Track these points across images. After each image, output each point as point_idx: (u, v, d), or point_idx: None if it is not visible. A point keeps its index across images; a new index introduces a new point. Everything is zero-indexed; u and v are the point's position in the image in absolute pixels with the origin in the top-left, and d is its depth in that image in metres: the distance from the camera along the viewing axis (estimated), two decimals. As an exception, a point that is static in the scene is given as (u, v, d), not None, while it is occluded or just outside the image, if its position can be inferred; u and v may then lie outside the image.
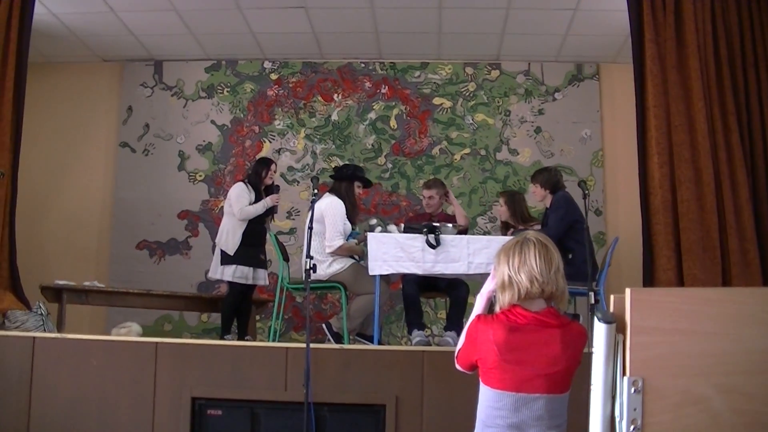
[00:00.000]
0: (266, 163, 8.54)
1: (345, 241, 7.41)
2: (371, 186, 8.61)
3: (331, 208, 7.44)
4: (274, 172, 8.51)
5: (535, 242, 3.64)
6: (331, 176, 8.03)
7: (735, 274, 7.27)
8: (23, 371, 6.51)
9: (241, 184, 8.37)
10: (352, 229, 7.60)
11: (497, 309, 3.68)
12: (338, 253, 7.40)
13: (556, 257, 3.64)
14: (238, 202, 8.16)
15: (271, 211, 8.39)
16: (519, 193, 8.43)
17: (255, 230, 8.20)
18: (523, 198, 8.15)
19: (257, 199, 8.22)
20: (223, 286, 9.30)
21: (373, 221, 7.96)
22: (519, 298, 3.58)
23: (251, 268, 8.17)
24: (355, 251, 7.52)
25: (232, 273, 8.14)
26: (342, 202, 7.52)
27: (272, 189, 8.44)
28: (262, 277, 8.28)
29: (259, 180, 8.36)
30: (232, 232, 8.16)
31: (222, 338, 8.15)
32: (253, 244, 8.17)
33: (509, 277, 3.61)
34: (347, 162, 10.20)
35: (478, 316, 3.69)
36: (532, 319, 3.54)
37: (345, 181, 7.76)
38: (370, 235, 7.18)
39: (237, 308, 8.34)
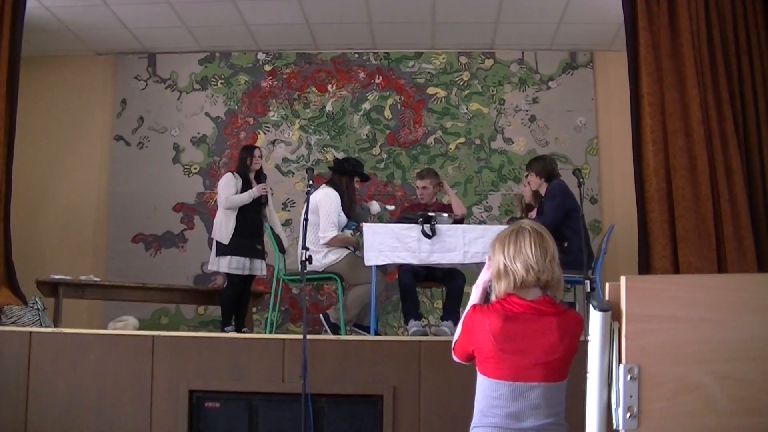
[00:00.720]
0: (249, 149, 8.49)
1: (339, 232, 7.42)
2: (368, 181, 8.62)
3: (326, 199, 7.43)
4: (260, 157, 8.43)
5: (530, 231, 3.64)
6: (330, 168, 8.00)
7: (730, 261, 7.29)
8: (20, 366, 6.51)
9: (228, 174, 8.34)
10: (348, 221, 7.61)
11: (493, 298, 3.68)
12: (332, 244, 7.40)
13: (551, 246, 3.64)
14: (224, 191, 8.14)
15: (260, 201, 8.34)
16: None
17: (249, 220, 8.14)
18: None
19: (246, 188, 8.19)
20: (219, 278, 9.31)
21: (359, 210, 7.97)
22: (514, 287, 3.57)
23: (247, 259, 8.14)
24: (350, 242, 7.52)
25: (228, 264, 8.11)
26: (338, 194, 7.52)
27: (261, 176, 8.42)
28: (258, 267, 8.23)
29: (245, 167, 8.31)
30: (225, 223, 8.13)
31: (223, 330, 8.15)
32: (248, 235, 8.11)
33: (504, 266, 3.60)
34: (343, 153, 10.22)
35: (474, 306, 3.69)
36: (528, 307, 3.54)
37: (346, 175, 7.75)
38: (365, 225, 7.18)
39: (236, 299, 8.33)
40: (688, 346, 2.22)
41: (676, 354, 2.22)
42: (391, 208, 8.30)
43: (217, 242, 8.18)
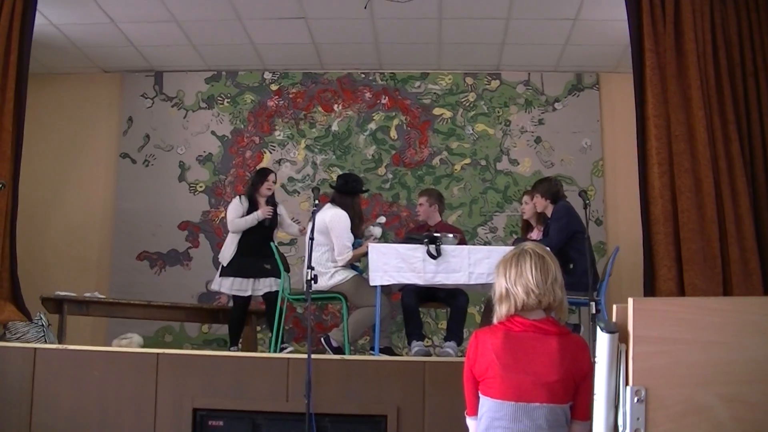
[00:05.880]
0: (262, 173, 8.51)
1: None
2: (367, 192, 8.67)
3: (337, 221, 7.43)
4: (274, 182, 8.46)
5: (532, 254, 3.67)
6: (333, 187, 7.97)
7: (736, 283, 7.26)
8: (24, 382, 6.51)
9: (236, 197, 8.43)
10: (355, 239, 7.61)
11: (495, 321, 3.70)
12: (348, 262, 7.43)
13: (553, 268, 3.65)
14: (229, 215, 8.25)
15: (264, 223, 8.33)
16: None
17: (253, 241, 8.13)
18: None
19: (252, 210, 8.22)
20: (224, 297, 9.34)
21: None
22: (516, 310, 3.60)
23: (250, 279, 8.15)
24: (364, 252, 7.47)
25: (229, 285, 8.17)
26: (347, 215, 7.52)
27: (274, 200, 8.43)
28: (268, 285, 8.16)
29: (254, 191, 8.34)
30: (228, 244, 8.27)
31: (228, 350, 8.18)
32: (251, 255, 8.10)
33: (506, 289, 3.64)
34: (348, 172, 10.18)
35: (475, 332, 3.72)
36: (529, 326, 3.57)
37: (353, 195, 7.77)
38: (370, 245, 7.19)
39: (241, 320, 8.39)
40: (695, 368, 2.22)
41: (682, 376, 2.22)
42: (383, 219, 8.30)
43: (220, 263, 8.22)
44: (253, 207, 8.24)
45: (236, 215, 8.18)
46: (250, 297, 8.29)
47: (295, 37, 9.79)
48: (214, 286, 8.42)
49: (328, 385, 6.31)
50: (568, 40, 9.72)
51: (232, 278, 8.16)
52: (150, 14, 9.27)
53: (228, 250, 8.20)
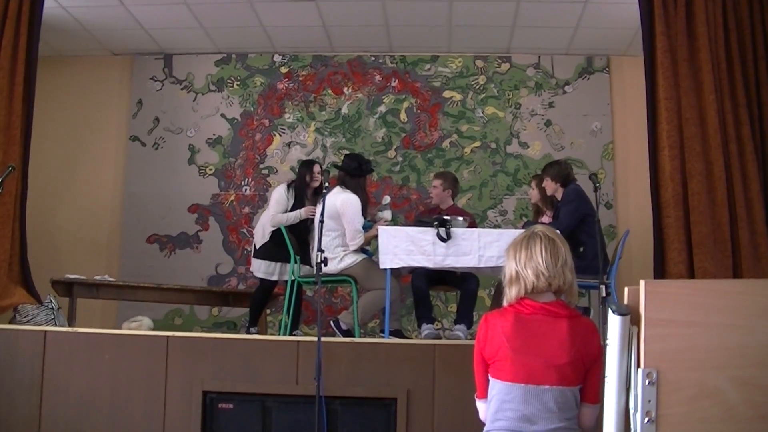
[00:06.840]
0: (307, 165, 8.45)
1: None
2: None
3: (349, 205, 7.41)
4: (320, 173, 8.29)
5: (542, 237, 3.67)
6: (341, 168, 7.91)
7: (746, 267, 7.25)
8: (35, 365, 6.52)
9: (282, 186, 8.32)
10: (365, 220, 7.60)
11: (505, 304, 3.71)
12: (360, 246, 7.45)
13: (563, 251, 3.66)
14: (274, 207, 8.16)
15: (306, 222, 8.24)
16: None
17: (288, 229, 8.05)
18: None
19: (299, 203, 8.16)
20: (233, 280, 9.34)
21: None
22: (526, 293, 3.61)
23: (278, 264, 8.16)
24: (375, 235, 7.46)
25: (258, 267, 8.25)
26: (358, 198, 7.50)
27: (321, 192, 8.34)
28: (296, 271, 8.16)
29: (303, 184, 8.28)
30: (262, 228, 8.26)
31: (247, 331, 8.22)
32: (283, 244, 8.05)
33: (516, 272, 3.65)
34: (355, 153, 10.11)
35: (485, 315, 3.73)
36: (539, 308, 3.58)
37: (362, 177, 7.75)
38: (380, 228, 7.18)
39: (264, 302, 8.45)
40: (707, 351, 2.21)
41: (694, 359, 2.21)
42: (388, 200, 8.32)
43: (254, 244, 8.32)
44: (299, 200, 8.20)
45: (279, 209, 8.13)
46: (276, 281, 8.33)
47: (305, 19, 9.77)
48: (252, 267, 8.50)
49: (338, 368, 6.32)
50: (578, 23, 9.68)
51: (260, 261, 8.21)
52: (160, -4, 9.28)
53: (262, 234, 8.23)
